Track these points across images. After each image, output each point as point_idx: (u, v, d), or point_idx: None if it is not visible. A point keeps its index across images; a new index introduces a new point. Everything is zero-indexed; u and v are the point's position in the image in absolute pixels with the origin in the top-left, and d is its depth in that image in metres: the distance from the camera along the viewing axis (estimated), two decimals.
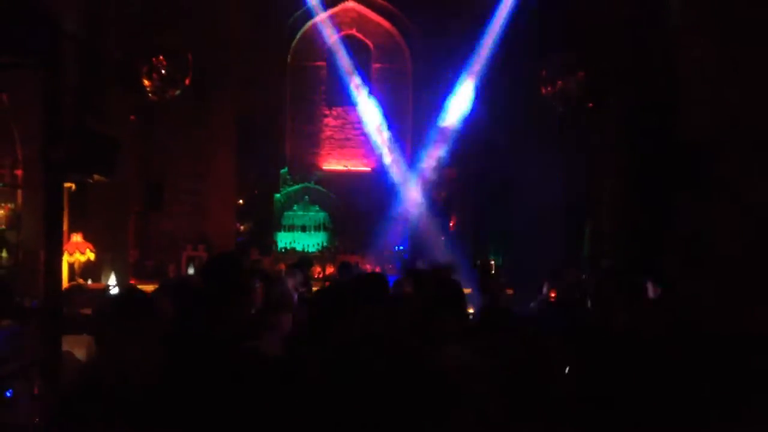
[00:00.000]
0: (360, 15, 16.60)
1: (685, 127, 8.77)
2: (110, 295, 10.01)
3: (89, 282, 10.81)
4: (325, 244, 16.12)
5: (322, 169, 16.73)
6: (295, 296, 6.89)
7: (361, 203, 16.21)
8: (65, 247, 10.17)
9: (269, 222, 16.05)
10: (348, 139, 16.91)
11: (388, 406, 2.06)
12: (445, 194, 15.69)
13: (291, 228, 16.26)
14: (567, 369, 2.94)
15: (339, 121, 16.94)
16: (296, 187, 16.50)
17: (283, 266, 11.50)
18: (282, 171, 16.41)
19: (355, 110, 16.82)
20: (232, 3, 14.20)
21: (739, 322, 6.88)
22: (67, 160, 9.60)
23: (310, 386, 2.35)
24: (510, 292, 11.39)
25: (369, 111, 16.15)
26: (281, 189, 16.38)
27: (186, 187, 14.37)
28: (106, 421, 2.44)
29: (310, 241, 16.13)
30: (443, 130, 15.24)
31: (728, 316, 7.15)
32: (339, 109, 16.92)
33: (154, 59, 10.71)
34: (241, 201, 15.26)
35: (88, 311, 7.90)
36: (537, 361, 2.77)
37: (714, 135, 8.23)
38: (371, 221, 16.15)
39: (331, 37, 16.16)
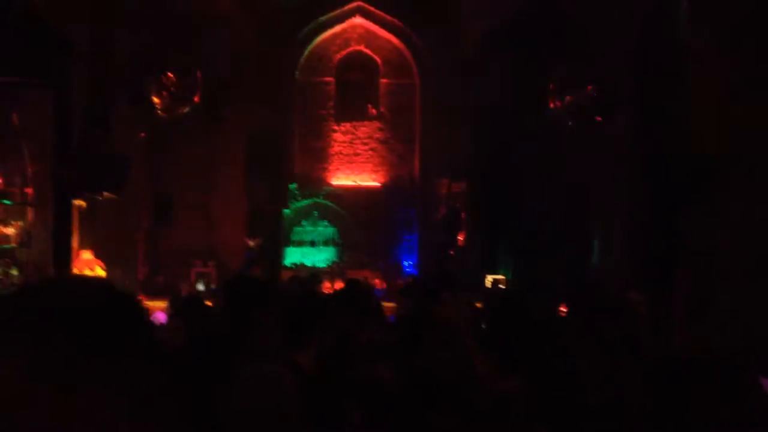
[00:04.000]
0: (368, 31, 16.66)
1: (694, 142, 8.74)
2: None
3: None
4: (334, 259, 16.11)
5: (331, 185, 16.73)
6: None
7: (370, 218, 16.22)
8: (75, 264, 10.22)
9: (278, 237, 16.06)
10: (357, 155, 16.93)
11: None
12: (454, 208, 15.65)
13: (300, 243, 16.26)
14: None
15: (348, 137, 16.96)
16: (305, 202, 16.50)
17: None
18: (291, 186, 16.42)
19: (363, 126, 16.86)
20: (240, 20, 14.29)
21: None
22: (77, 178, 9.69)
23: None
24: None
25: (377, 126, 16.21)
26: (290, 204, 16.39)
27: (195, 203, 14.43)
28: None
29: (319, 257, 16.12)
30: (451, 144, 15.22)
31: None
32: (348, 125, 16.94)
33: (163, 76, 10.77)
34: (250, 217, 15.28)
35: None
36: None
37: (724, 149, 8.19)
38: (380, 236, 16.16)
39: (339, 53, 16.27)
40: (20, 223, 9.56)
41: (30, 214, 9.54)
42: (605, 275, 11.33)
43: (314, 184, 16.69)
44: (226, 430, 2.33)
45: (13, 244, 9.53)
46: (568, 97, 10.42)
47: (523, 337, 3.84)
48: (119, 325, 0.99)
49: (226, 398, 2.34)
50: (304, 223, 16.38)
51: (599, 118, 10.57)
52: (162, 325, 6.89)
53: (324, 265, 15.79)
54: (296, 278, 9.01)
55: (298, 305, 3.44)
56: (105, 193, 10.43)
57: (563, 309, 7.58)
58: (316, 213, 16.48)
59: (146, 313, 1.09)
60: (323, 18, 16.31)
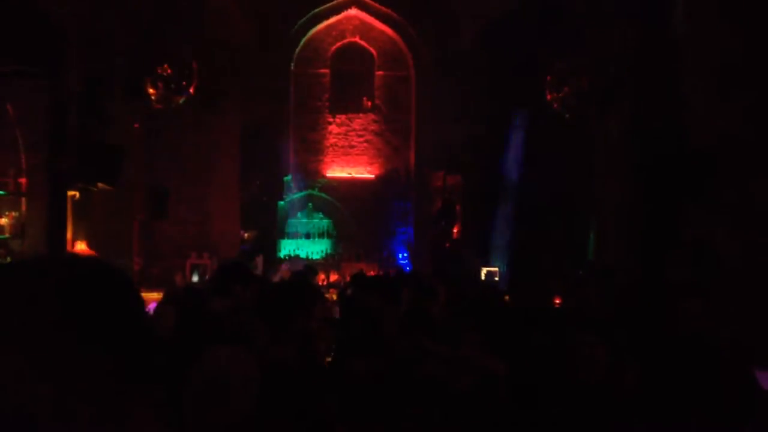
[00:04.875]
0: (363, 23, 16.61)
1: (690, 134, 8.75)
2: None
3: None
4: (329, 251, 16.10)
5: (326, 177, 16.72)
6: None
7: (365, 211, 16.21)
8: None
9: (273, 229, 16.04)
10: (352, 147, 16.91)
11: None
12: (448, 201, 15.66)
13: (295, 235, 16.24)
14: None
15: (343, 129, 16.94)
16: (300, 194, 16.48)
17: (287, 274, 11.48)
18: (286, 179, 16.40)
19: (358, 118, 16.84)
20: (236, 12, 14.23)
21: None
22: (71, 169, 9.65)
23: None
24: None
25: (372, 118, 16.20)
26: (285, 196, 16.37)
27: (190, 195, 14.38)
28: None
29: (313, 249, 16.11)
30: (446, 136, 15.21)
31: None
32: (343, 117, 16.91)
33: (159, 68, 10.72)
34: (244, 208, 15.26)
35: None
36: None
37: (719, 142, 8.21)
38: (375, 228, 16.16)
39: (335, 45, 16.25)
40: (14, 214, 9.52)
41: (24, 204, 9.49)
42: (601, 268, 11.36)
43: (309, 176, 16.68)
44: (188, 411, 2.37)
45: (7, 235, 9.50)
46: (565, 89, 10.42)
47: (502, 325, 3.91)
48: (115, 307, 0.93)
49: (188, 381, 2.40)
50: (299, 215, 16.37)
51: (596, 111, 10.58)
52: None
53: (319, 257, 15.79)
54: (298, 273, 9.03)
55: (284, 295, 3.45)
56: (100, 184, 10.40)
57: (557, 301, 7.61)
58: (311, 205, 16.46)
59: (140, 295, 1.05)
60: (318, 9, 16.26)
